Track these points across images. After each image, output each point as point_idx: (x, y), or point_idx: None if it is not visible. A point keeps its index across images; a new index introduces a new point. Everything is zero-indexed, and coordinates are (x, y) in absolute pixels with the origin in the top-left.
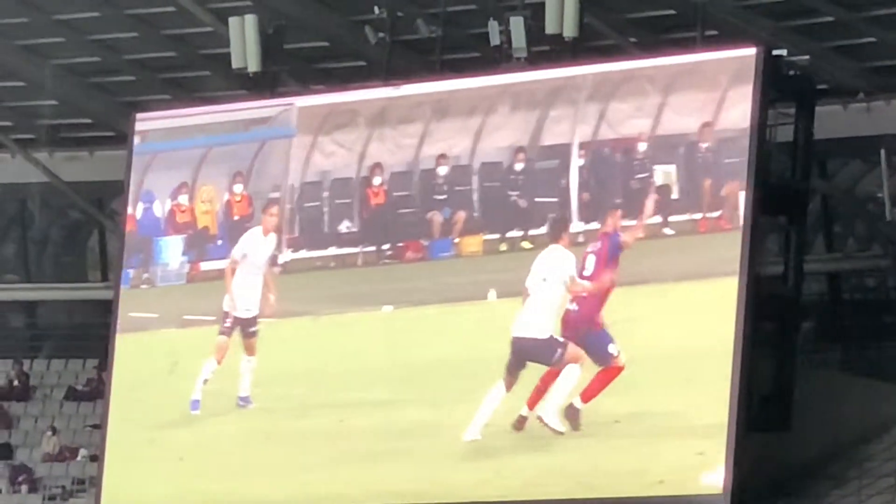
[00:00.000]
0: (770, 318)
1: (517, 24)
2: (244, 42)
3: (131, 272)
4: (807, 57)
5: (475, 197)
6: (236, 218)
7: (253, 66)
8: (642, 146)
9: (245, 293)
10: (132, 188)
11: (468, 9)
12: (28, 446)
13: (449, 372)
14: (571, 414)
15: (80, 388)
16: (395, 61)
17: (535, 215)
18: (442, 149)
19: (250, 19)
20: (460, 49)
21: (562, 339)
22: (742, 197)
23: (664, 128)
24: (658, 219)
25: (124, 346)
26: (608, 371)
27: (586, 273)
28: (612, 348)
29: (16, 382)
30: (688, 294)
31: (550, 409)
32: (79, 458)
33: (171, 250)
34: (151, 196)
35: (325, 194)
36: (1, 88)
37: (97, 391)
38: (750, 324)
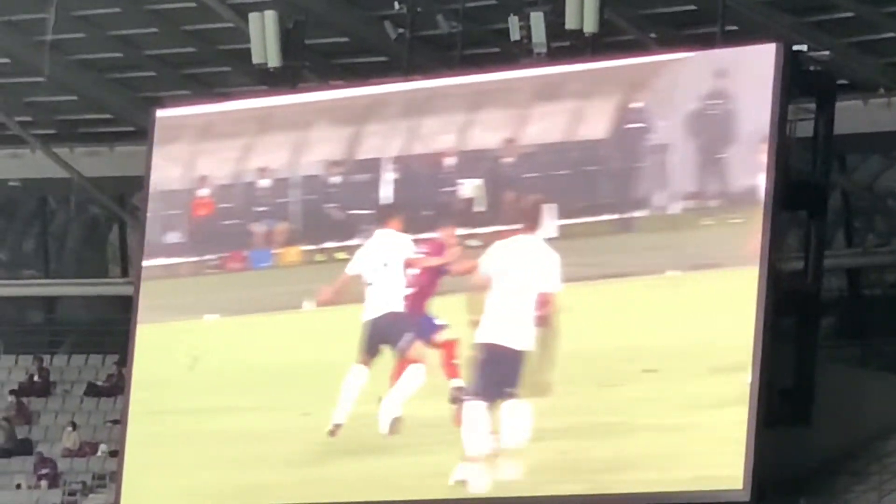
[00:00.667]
0: (790, 314)
1: (537, 20)
2: (264, 37)
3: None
4: (827, 52)
5: (295, 209)
6: None
7: (273, 61)
8: (450, 160)
9: None
10: None
11: (488, 4)
12: (48, 441)
13: (278, 377)
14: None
15: (100, 383)
16: (415, 57)
17: (350, 227)
18: (264, 162)
19: (270, 15)
20: (480, 44)
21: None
22: (543, 209)
23: (470, 143)
24: (465, 230)
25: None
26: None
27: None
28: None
29: (36, 378)
30: None
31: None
32: (99, 453)
33: None
34: None
35: (156, 205)
36: (21, 84)
37: (117, 387)
38: (770, 319)
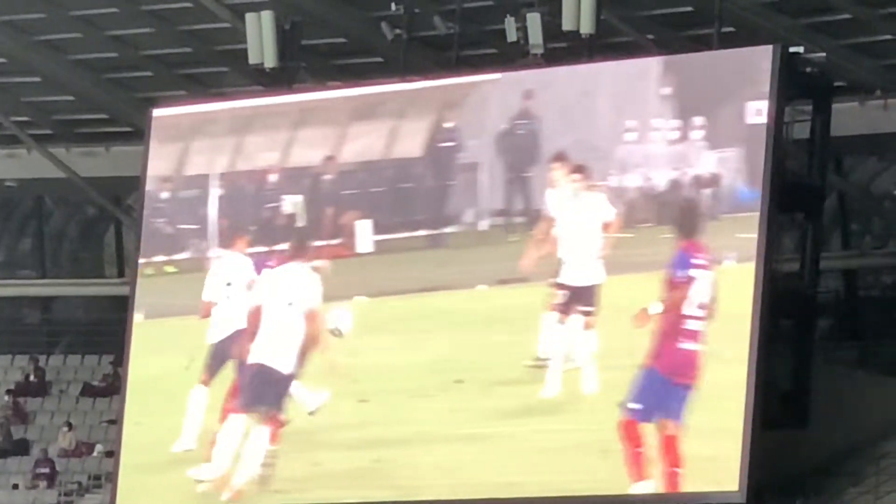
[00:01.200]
0: (786, 316)
1: (534, 21)
2: (261, 38)
3: None
4: (823, 54)
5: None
6: None
7: (269, 61)
8: (273, 177)
9: None
10: None
11: (485, 5)
12: (44, 441)
13: None
14: None
15: (95, 383)
16: (412, 58)
17: (179, 241)
18: None
19: (267, 15)
20: (477, 45)
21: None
22: (358, 225)
23: (292, 160)
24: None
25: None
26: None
27: None
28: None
29: (32, 378)
30: None
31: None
32: (94, 453)
33: None
34: None
35: None
36: (18, 84)
37: (113, 387)
38: (766, 321)
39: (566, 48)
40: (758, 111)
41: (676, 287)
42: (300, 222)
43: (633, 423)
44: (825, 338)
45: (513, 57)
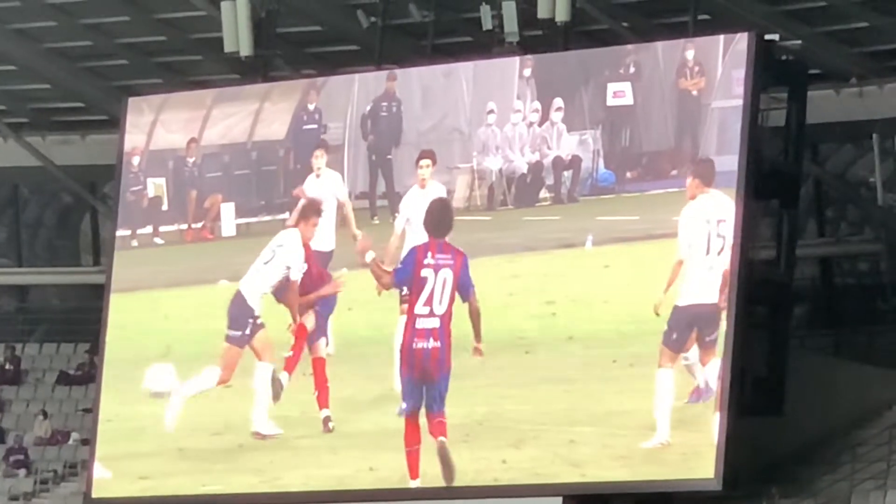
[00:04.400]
0: (762, 303)
1: (509, 9)
2: (236, 26)
3: None
4: (799, 41)
5: None
6: None
7: (245, 50)
8: (136, 160)
9: None
10: None
11: None
12: (20, 430)
13: None
14: None
15: (71, 372)
16: (387, 45)
17: None
18: None
19: (242, 3)
20: (452, 33)
21: None
22: (223, 208)
23: (156, 143)
24: (149, 229)
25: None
26: None
27: None
28: None
29: (7, 366)
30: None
31: None
32: (70, 441)
33: None
34: None
35: None
36: None
37: (89, 375)
38: (743, 308)
39: (542, 36)
40: (615, 93)
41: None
42: (164, 205)
43: (407, 422)
44: (801, 325)
45: (488, 45)
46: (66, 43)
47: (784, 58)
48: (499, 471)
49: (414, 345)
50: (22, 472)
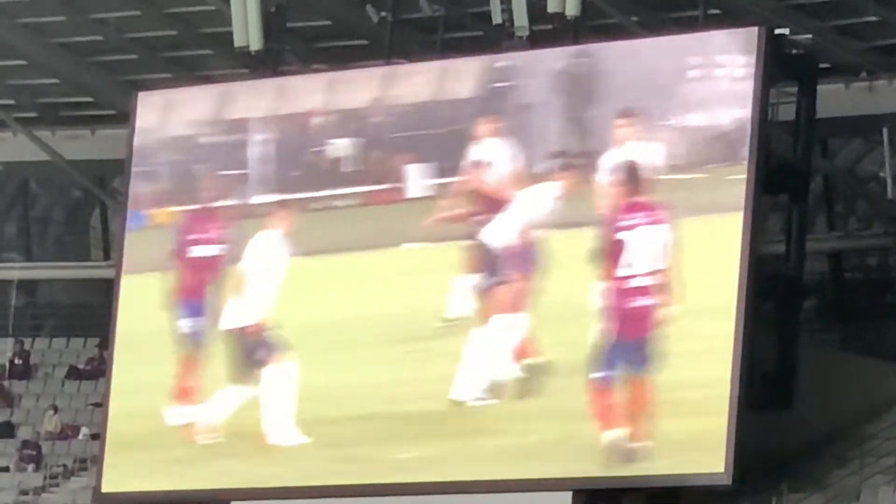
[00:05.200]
0: (771, 298)
1: (519, 3)
2: (246, 21)
3: None
4: (809, 36)
5: (166, 170)
6: None
7: (255, 44)
8: (318, 120)
9: None
10: None
11: None
12: (29, 425)
13: None
14: None
15: (81, 366)
16: (397, 40)
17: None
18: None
19: None
20: (462, 28)
21: None
22: (409, 169)
23: (338, 103)
24: (331, 191)
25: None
26: None
27: None
28: None
29: (17, 361)
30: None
31: None
32: (80, 436)
33: None
34: None
35: None
36: (2, 67)
37: (98, 370)
38: (752, 304)
39: (551, 30)
40: None
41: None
42: (348, 167)
43: (601, 387)
44: (810, 320)
45: (498, 39)
46: (75, 37)
47: (794, 52)
48: None
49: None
50: (31, 466)
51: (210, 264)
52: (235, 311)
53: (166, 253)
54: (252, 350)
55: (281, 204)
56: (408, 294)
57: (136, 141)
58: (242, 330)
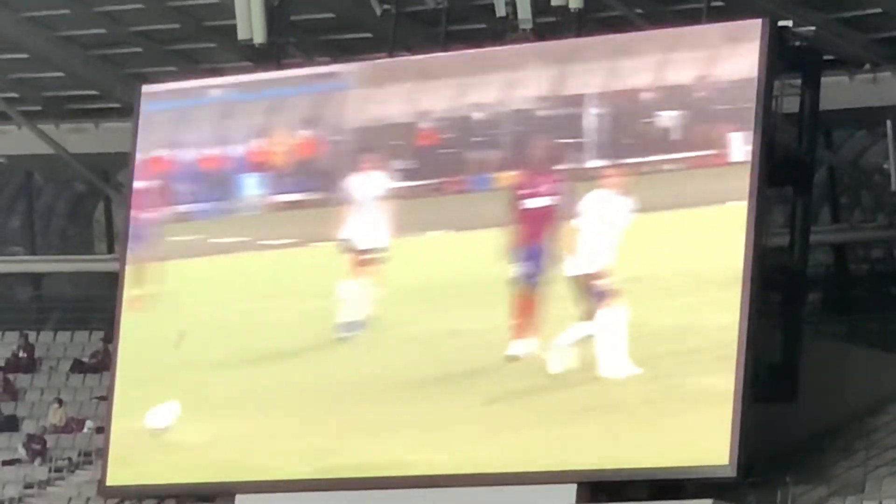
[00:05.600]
0: (776, 290)
1: None
2: (250, 13)
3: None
4: (813, 28)
5: (507, 139)
6: (303, 158)
7: (258, 37)
8: (647, 95)
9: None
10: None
11: None
12: (34, 418)
13: None
14: None
15: (85, 360)
16: (401, 33)
17: (556, 155)
18: (478, 98)
19: None
20: (466, 20)
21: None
22: (732, 137)
23: (666, 80)
24: (660, 156)
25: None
26: None
27: None
28: None
29: (22, 354)
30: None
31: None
32: (85, 429)
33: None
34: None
35: (382, 136)
36: (6, 60)
37: (103, 363)
38: (756, 295)
39: (555, 23)
40: None
41: None
42: (675, 136)
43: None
44: (815, 312)
45: (502, 32)
46: (79, 31)
47: (798, 44)
48: None
49: None
50: (37, 460)
51: (544, 214)
52: (575, 261)
53: (505, 209)
54: (589, 294)
55: (615, 167)
56: (728, 247)
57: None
58: (581, 276)
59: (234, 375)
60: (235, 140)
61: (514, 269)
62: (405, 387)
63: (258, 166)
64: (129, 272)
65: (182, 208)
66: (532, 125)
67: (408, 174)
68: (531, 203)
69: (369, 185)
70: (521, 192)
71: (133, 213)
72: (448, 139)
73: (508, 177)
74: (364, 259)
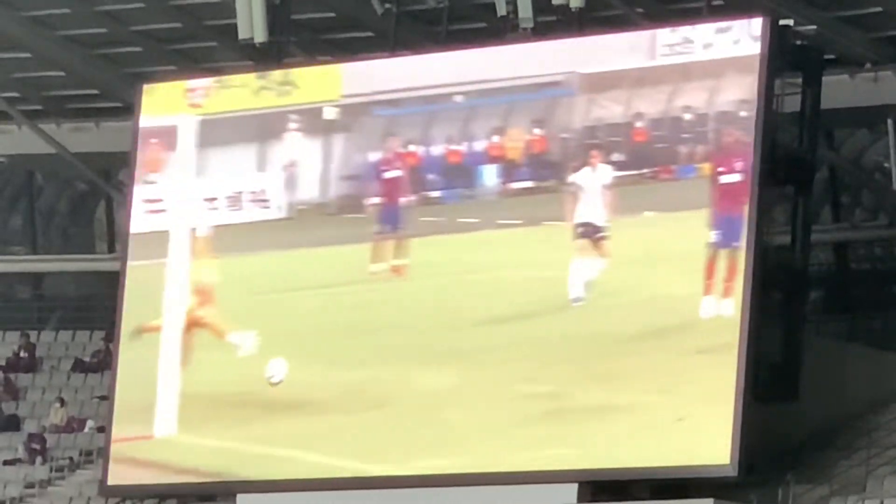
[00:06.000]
0: (777, 289)
1: None
2: (251, 13)
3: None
4: (814, 27)
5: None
6: (535, 152)
7: (259, 36)
8: None
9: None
10: None
11: None
12: (35, 417)
13: None
14: None
15: (87, 359)
16: (402, 32)
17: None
18: (687, 101)
19: None
20: (467, 19)
21: None
22: None
23: None
24: None
25: None
26: None
27: None
28: None
29: (23, 354)
30: None
31: None
32: (86, 429)
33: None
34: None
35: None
36: (7, 59)
37: (104, 363)
38: (758, 294)
39: (556, 22)
40: None
41: None
42: None
43: None
44: (816, 311)
45: (503, 31)
46: (80, 30)
47: (799, 43)
48: None
49: None
50: (37, 459)
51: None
52: None
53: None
54: None
55: None
56: None
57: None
58: None
59: (487, 331)
60: (477, 137)
61: (713, 236)
62: (627, 341)
63: (496, 159)
64: (386, 247)
65: (432, 194)
66: (735, 124)
67: (625, 165)
68: (725, 179)
69: (595, 175)
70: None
71: (385, 199)
72: (658, 136)
73: (709, 166)
74: (592, 237)
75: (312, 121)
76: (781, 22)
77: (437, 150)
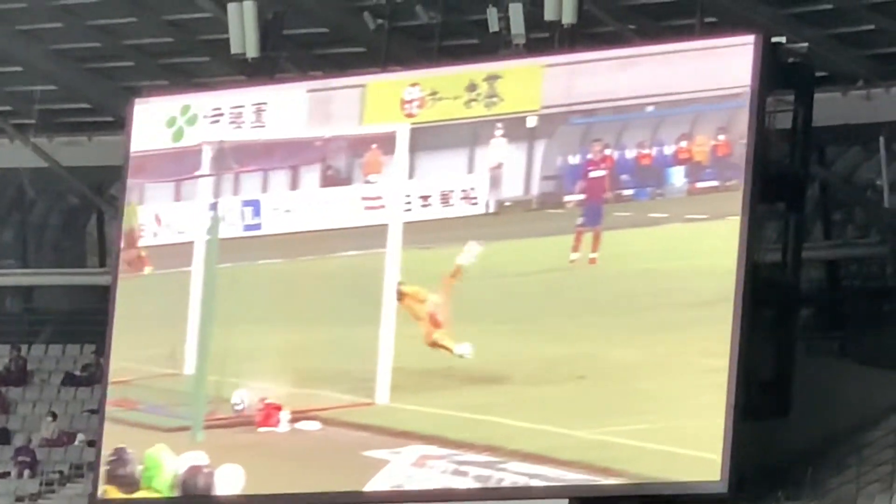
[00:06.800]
0: (769, 306)
1: (516, 11)
2: (243, 28)
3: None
4: (806, 44)
5: None
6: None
7: (251, 51)
8: None
9: None
10: None
11: None
12: (25, 431)
13: None
14: None
15: (77, 373)
16: (394, 47)
17: None
18: None
19: (249, 5)
20: (459, 35)
21: None
22: None
23: None
24: None
25: None
26: None
27: None
28: None
29: (13, 367)
30: None
31: None
32: (76, 443)
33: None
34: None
35: None
36: (0, 73)
37: (95, 376)
38: (748, 311)
39: (548, 38)
40: None
41: None
42: None
43: None
44: (807, 328)
45: (495, 47)
46: (72, 44)
47: (791, 60)
48: None
49: None
50: (25, 473)
51: None
52: None
53: None
54: None
55: None
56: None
57: None
58: None
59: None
60: (666, 142)
61: None
62: None
63: (683, 161)
64: (585, 239)
65: (625, 192)
66: None
67: None
68: None
69: None
70: None
71: (588, 196)
72: None
73: None
74: None
75: (516, 128)
76: (774, 39)
77: (630, 153)
